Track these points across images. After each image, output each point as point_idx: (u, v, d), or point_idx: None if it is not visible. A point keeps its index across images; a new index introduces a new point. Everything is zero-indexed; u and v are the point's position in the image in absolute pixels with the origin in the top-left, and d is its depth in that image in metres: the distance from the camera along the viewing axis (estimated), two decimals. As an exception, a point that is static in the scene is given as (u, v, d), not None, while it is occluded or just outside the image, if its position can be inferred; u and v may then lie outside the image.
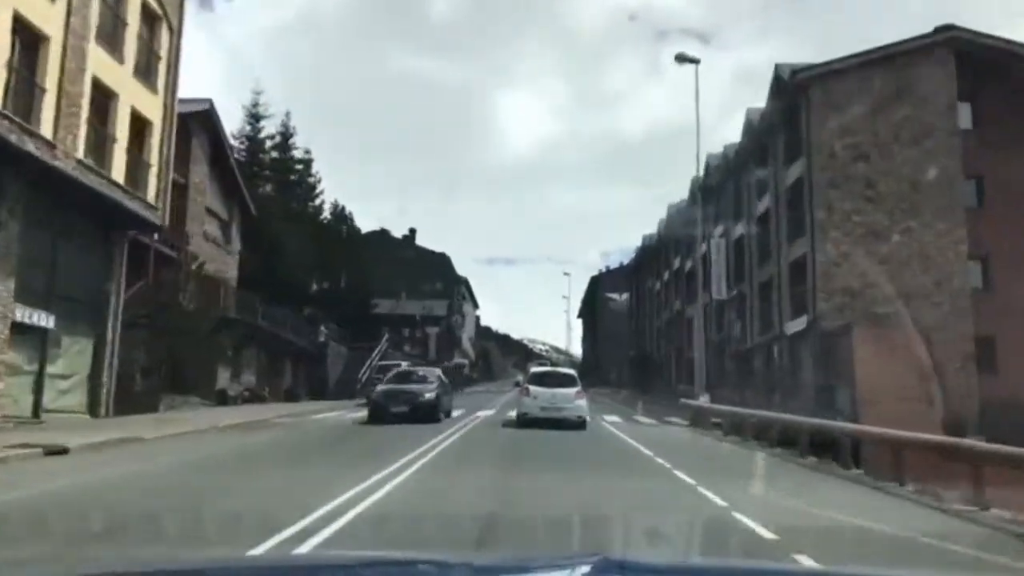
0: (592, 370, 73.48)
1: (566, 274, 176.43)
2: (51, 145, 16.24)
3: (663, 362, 56.37)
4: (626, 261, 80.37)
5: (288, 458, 13.05)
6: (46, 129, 16.13)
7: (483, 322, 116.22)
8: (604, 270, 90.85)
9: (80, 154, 17.48)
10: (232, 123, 45.28)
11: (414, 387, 21.02)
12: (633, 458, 13.96)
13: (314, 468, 11.53)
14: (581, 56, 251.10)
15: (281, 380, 36.14)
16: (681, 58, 26.71)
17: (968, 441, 11.66)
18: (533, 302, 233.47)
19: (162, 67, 21.12)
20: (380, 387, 21.90)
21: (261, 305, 34.66)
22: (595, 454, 14.41)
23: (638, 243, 70.57)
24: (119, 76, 18.95)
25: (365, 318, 50.29)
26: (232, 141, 42.28)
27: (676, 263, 52.67)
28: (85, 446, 13.20)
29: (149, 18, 20.83)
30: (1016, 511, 8.69)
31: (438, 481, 10.09)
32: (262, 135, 44.34)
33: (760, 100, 34.70)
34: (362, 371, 38.25)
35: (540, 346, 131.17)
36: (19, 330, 16.16)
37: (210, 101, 31.75)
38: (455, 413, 24.00)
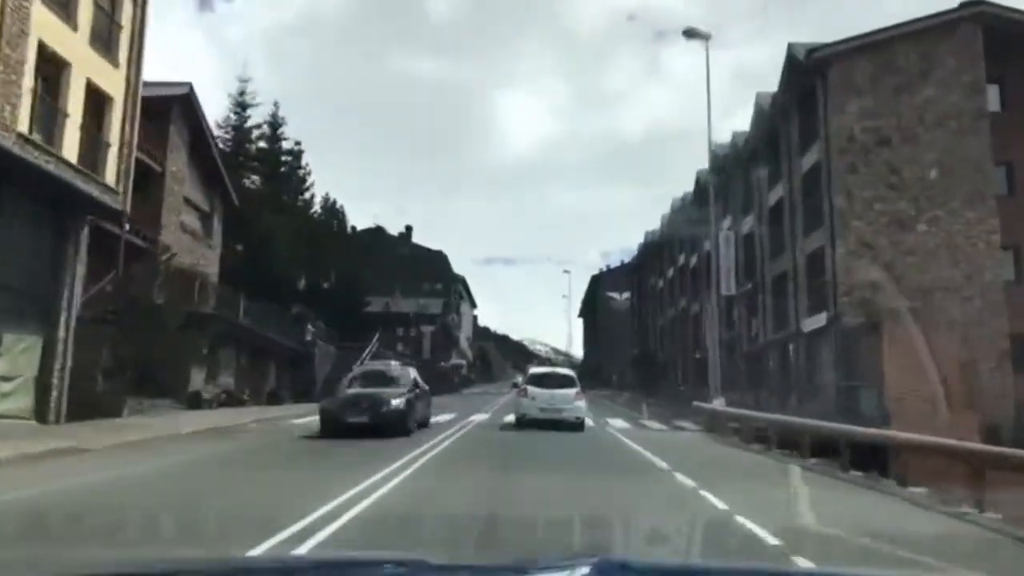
0: (593, 371, 71.61)
1: (566, 272, 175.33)
2: (-16, 116, 14.34)
3: (667, 362, 54.53)
4: (627, 261, 78.80)
5: (221, 480, 10.57)
6: (-23, 97, 14.23)
7: (482, 322, 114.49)
8: (604, 269, 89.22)
9: (23, 128, 15.57)
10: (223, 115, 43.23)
11: (379, 391, 16.88)
12: (647, 473, 11.97)
13: (237, 496, 9.51)
14: (580, 56, 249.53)
15: (264, 381, 34.16)
16: (690, 33, 24.75)
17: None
18: (533, 302, 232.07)
19: (124, 37, 19.14)
20: (349, 390, 17.68)
21: (245, 302, 32.77)
22: (604, 465, 12.47)
23: (638, 243, 69.06)
24: (72, 44, 16.98)
25: (356, 316, 48.35)
26: (217, 131, 40.58)
27: (681, 259, 50.85)
28: (8, 459, 11.29)
29: (107, -17, 18.91)
30: None
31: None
32: (249, 124, 42.35)
33: (761, 99, 32.74)
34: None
35: (540, 347, 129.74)
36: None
37: (190, 85, 29.83)
38: (441, 418, 22.06)
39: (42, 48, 16.09)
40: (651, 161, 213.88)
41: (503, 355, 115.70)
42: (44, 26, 16.11)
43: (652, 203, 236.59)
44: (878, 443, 12.51)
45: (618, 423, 24.27)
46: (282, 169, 44.74)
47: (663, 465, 12.24)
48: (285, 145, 44.69)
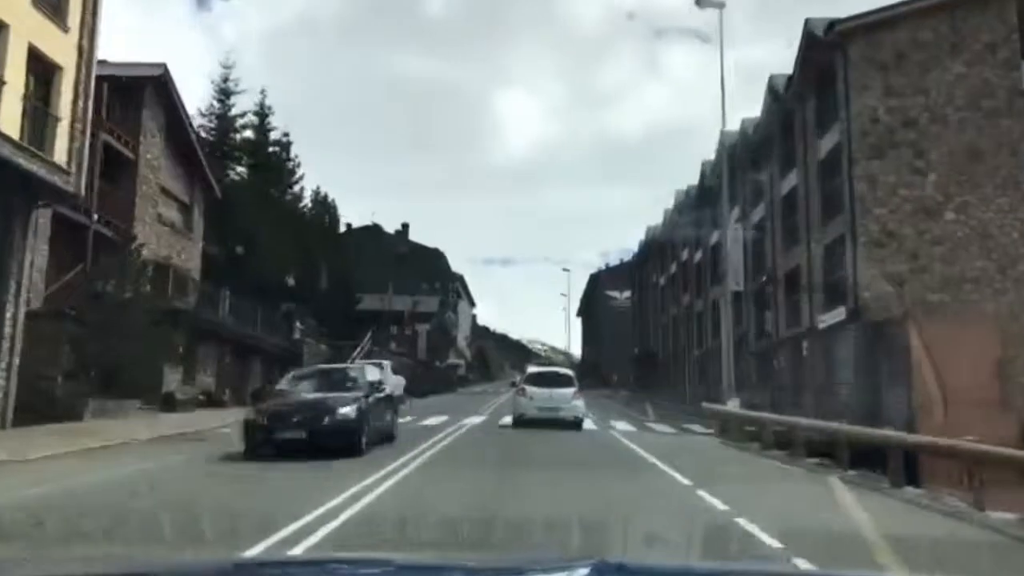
0: (592, 371, 69.85)
1: (565, 270, 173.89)
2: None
3: (670, 361, 52.75)
4: (625, 260, 77.17)
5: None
6: None
7: (480, 321, 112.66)
8: (603, 268, 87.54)
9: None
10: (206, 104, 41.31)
11: (323, 397, 13.15)
12: (665, 489, 10.14)
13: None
14: (580, 55, 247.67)
15: (248, 382, 32.32)
16: (703, 1, 22.85)
17: None
18: (532, 302, 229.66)
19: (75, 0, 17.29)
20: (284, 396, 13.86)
21: (229, 298, 30.96)
22: (613, 480, 10.64)
23: (637, 243, 67.44)
24: (10, 2, 15.14)
25: (349, 314, 46.51)
26: (200, 119, 38.71)
27: (684, 255, 49.02)
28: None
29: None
30: None
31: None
32: (233, 112, 40.42)
33: (775, 82, 30.83)
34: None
35: (539, 346, 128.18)
36: None
37: (164, 66, 27.92)
38: (430, 422, 20.24)
39: (-26, 6, 14.30)
40: (650, 161, 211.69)
41: (502, 354, 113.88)
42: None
43: (652, 203, 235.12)
44: (940, 453, 10.67)
45: (623, 426, 22.50)
46: (270, 160, 42.81)
47: (685, 481, 10.38)
48: (273, 136, 42.81)
